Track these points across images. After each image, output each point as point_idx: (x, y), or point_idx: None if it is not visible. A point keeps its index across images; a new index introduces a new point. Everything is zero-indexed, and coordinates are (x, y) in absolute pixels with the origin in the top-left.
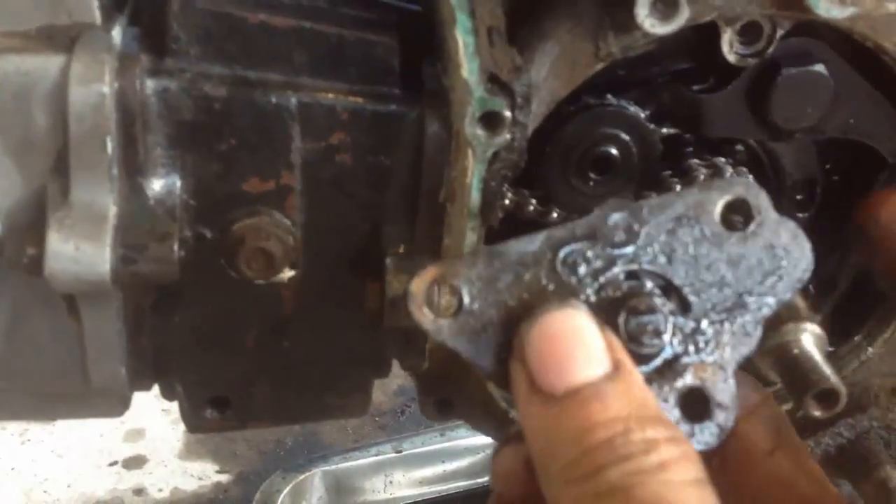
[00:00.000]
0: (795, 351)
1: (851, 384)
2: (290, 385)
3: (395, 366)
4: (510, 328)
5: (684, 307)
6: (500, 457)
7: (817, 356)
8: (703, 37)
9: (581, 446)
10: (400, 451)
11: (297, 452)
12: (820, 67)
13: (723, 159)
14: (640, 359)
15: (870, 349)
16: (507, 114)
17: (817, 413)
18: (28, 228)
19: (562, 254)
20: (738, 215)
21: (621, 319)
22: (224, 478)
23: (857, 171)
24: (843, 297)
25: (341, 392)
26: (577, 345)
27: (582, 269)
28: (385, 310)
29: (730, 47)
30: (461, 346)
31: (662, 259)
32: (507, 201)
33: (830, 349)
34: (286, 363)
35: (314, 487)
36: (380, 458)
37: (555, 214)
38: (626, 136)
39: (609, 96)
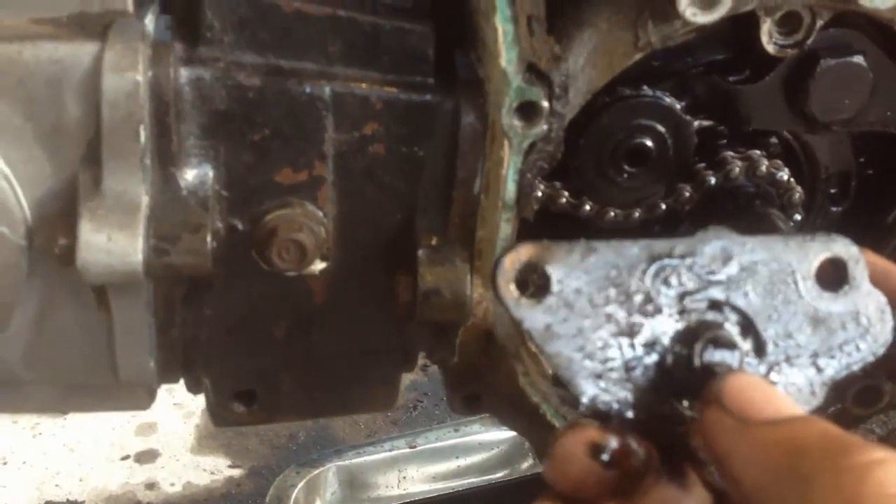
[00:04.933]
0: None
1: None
2: (318, 378)
3: None
4: (587, 328)
5: (759, 352)
6: (563, 440)
7: None
8: (740, 27)
9: (841, 441)
10: (414, 447)
11: (310, 447)
12: (859, 59)
13: (757, 152)
14: None
15: None
16: (545, 104)
17: (857, 411)
18: (60, 218)
19: (656, 266)
20: (832, 274)
21: (699, 347)
22: (236, 472)
23: (892, 164)
24: None
25: (369, 385)
26: (778, 392)
27: (672, 286)
28: (418, 303)
29: (769, 38)
30: (536, 332)
31: (750, 298)
32: (539, 193)
33: None
34: (314, 356)
35: (328, 482)
36: (393, 453)
37: (587, 207)
38: (661, 128)
39: (645, 87)
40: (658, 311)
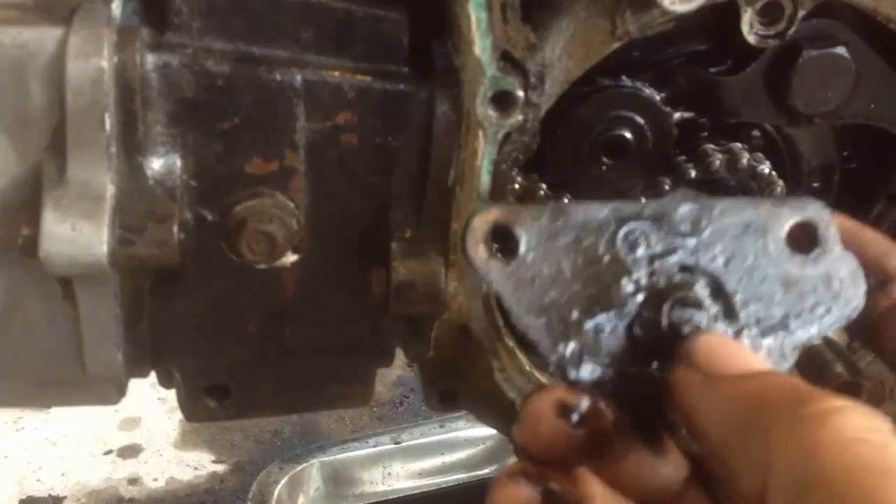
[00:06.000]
0: (816, 342)
1: (866, 378)
2: (292, 373)
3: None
4: (556, 290)
5: (729, 314)
6: (532, 400)
7: (838, 349)
8: (721, 17)
9: (802, 391)
10: (399, 443)
11: (295, 443)
12: (842, 50)
13: (739, 144)
14: None
15: None
16: (520, 94)
17: None
18: (23, 207)
19: (625, 229)
20: (803, 238)
21: (666, 307)
22: (220, 468)
23: (875, 158)
24: None
25: (344, 381)
26: (746, 349)
27: (641, 250)
28: (391, 296)
29: (750, 28)
30: (505, 293)
31: (720, 261)
32: (516, 186)
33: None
34: (288, 350)
35: (311, 478)
36: (378, 449)
37: (566, 200)
38: (640, 119)
39: (624, 77)
40: (627, 273)
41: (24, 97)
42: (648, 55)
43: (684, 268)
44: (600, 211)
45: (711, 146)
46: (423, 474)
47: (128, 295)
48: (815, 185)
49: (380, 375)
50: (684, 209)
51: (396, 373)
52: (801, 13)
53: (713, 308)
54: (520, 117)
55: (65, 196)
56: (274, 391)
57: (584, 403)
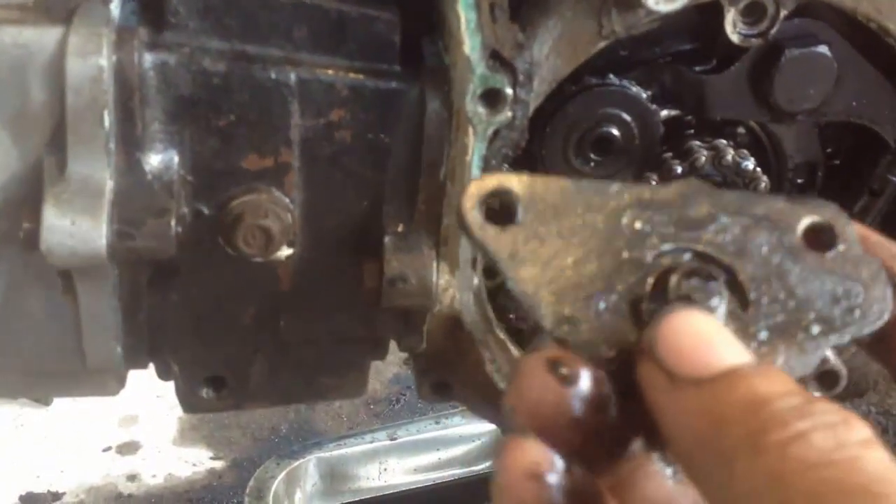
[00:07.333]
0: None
1: (850, 369)
2: (287, 365)
3: (390, 355)
4: (555, 261)
5: (744, 304)
6: (523, 360)
7: None
8: (705, 17)
9: (761, 415)
10: (395, 439)
11: (292, 439)
12: (823, 49)
13: (724, 141)
14: None
15: None
16: (509, 91)
17: (816, 395)
18: (24, 202)
19: (633, 209)
20: (819, 239)
21: (674, 278)
22: (218, 464)
23: (858, 154)
24: None
25: (338, 372)
26: (716, 335)
27: (648, 230)
28: (383, 289)
29: (733, 27)
30: (500, 258)
31: (732, 250)
32: None
33: None
34: (283, 342)
35: (308, 474)
36: (374, 445)
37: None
38: (627, 117)
39: (611, 76)
40: (633, 252)
41: (25, 95)
42: (635, 54)
43: (695, 253)
44: (607, 189)
45: (697, 143)
46: (418, 470)
47: (126, 288)
48: (799, 181)
49: (376, 373)
50: (694, 195)
51: (393, 370)
52: (784, 13)
53: (723, 276)
54: (508, 114)
55: (65, 191)
56: (269, 382)
57: (578, 366)
